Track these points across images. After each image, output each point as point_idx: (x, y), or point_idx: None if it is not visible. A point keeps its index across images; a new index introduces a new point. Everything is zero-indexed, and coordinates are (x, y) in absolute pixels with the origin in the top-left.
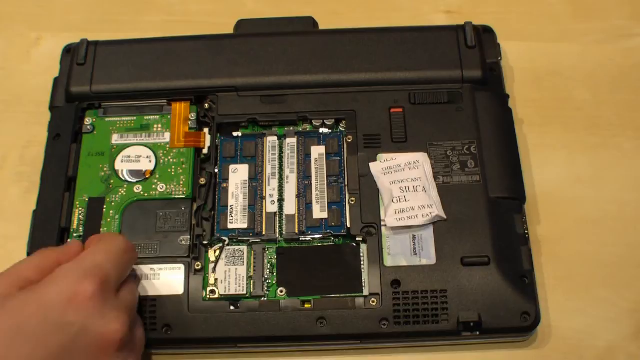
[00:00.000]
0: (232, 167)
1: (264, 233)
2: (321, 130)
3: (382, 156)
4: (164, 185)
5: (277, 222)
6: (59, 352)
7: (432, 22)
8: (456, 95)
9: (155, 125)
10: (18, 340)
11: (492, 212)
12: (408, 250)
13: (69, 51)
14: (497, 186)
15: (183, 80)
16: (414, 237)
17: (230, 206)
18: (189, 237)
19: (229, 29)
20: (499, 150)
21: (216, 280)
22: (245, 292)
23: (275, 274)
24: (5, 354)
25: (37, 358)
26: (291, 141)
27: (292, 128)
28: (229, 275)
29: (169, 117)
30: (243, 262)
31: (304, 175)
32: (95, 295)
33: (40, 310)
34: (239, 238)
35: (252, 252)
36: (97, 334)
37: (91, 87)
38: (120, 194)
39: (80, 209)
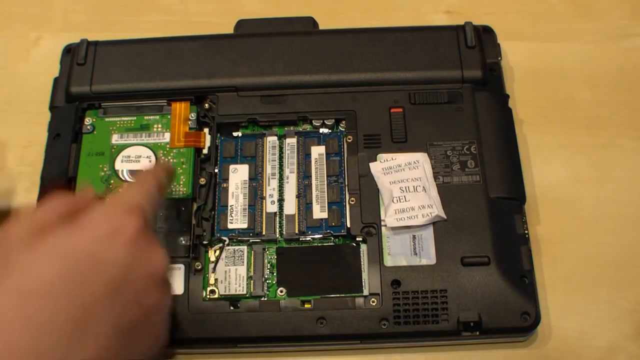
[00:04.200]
0: (232, 167)
1: (264, 233)
2: (321, 130)
3: (382, 156)
4: None
5: (277, 222)
6: (110, 288)
7: (432, 22)
8: (456, 95)
9: (155, 125)
10: (70, 279)
11: (492, 212)
12: (408, 250)
13: (69, 51)
14: (497, 186)
15: (183, 80)
16: (414, 237)
17: (230, 206)
18: (189, 237)
19: (229, 29)
20: (499, 150)
21: (216, 280)
22: (245, 292)
23: (275, 274)
24: (59, 293)
25: (90, 296)
26: (291, 141)
27: (292, 128)
28: (229, 275)
29: (169, 117)
30: (243, 262)
31: (304, 175)
32: (140, 230)
33: (88, 247)
34: (239, 238)
35: (252, 252)
36: (144, 267)
37: (91, 87)
38: None
39: None
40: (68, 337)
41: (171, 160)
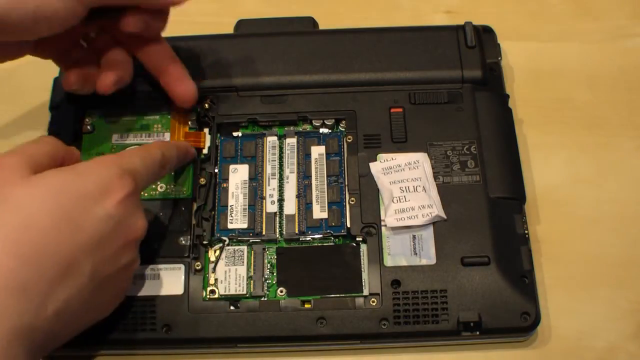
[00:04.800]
0: (232, 167)
1: (264, 233)
2: (321, 130)
3: (382, 156)
4: (164, 185)
5: (277, 222)
6: (97, 241)
7: (432, 22)
8: (456, 95)
9: (155, 125)
10: (62, 223)
11: (492, 212)
12: (408, 250)
13: None
14: (497, 186)
15: None
16: (414, 237)
17: (230, 206)
18: (189, 237)
19: (229, 29)
20: (499, 150)
21: (216, 280)
22: (245, 292)
23: (275, 274)
24: (50, 234)
25: (76, 242)
26: (291, 141)
27: (292, 128)
28: (229, 275)
29: (169, 117)
30: (243, 262)
31: (304, 175)
32: (130, 193)
33: (82, 196)
34: (239, 238)
35: (252, 252)
36: (126, 229)
37: None
38: None
39: None
40: (50, 275)
41: None
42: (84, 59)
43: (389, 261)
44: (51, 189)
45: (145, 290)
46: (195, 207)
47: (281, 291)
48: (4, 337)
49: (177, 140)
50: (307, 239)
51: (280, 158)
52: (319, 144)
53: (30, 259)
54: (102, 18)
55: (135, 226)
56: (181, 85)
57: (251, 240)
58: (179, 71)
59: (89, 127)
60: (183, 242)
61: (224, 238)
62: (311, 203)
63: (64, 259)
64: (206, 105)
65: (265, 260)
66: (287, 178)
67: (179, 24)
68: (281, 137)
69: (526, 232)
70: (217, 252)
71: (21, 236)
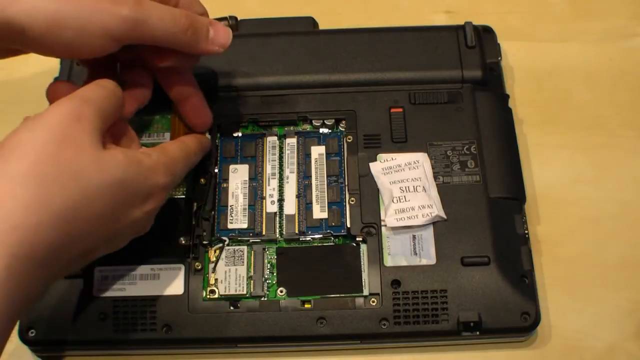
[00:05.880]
0: (232, 167)
1: (264, 233)
2: (321, 130)
3: (382, 156)
4: None
5: (277, 222)
6: (118, 236)
7: (432, 22)
8: (456, 95)
9: (155, 125)
10: (107, 216)
11: (492, 212)
12: (408, 250)
13: None
14: (497, 186)
15: None
16: (414, 237)
17: (230, 206)
18: (189, 237)
19: None
20: (499, 150)
21: (216, 280)
22: (245, 292)
23: (275, 274)
24: (94, 222)
25: (106, 236)
26: (291, 141)
27: (292, 128)
28: (229, 275)
29: (169, 117)
30: (243, 262)
31: (304, 175)
32: (161, 204)
33: (133, 197)
34: (239, 238)
35: (252, 252)
36: (140, 229)
37: None
38: None
39: None
40: (74, 255)
41: None
42: (105, 67)
43: (389, 261)
44: (116, 179)
45: (145, 290)
46: (195, 207)
47: (281, 291)
48: (26, 304)
49: (199, 135)
50: (307, 239)
51: (280, 158)
52: (319, 144)
53: (70, 240)
54: (134, 49)
55: (144, 228)
56: (199, 114)
57: (251, 240)
58: (199, 101)
59: None
60: (183, 242)
61: (224, 238)
62: (311, 203)
63: (91, 246)
64: None
65: (265, 260)
66: (287, 178)
67: None
68: (281, 137)
69: (526, 232)
70: (217, 252)
71: (73, 216)
